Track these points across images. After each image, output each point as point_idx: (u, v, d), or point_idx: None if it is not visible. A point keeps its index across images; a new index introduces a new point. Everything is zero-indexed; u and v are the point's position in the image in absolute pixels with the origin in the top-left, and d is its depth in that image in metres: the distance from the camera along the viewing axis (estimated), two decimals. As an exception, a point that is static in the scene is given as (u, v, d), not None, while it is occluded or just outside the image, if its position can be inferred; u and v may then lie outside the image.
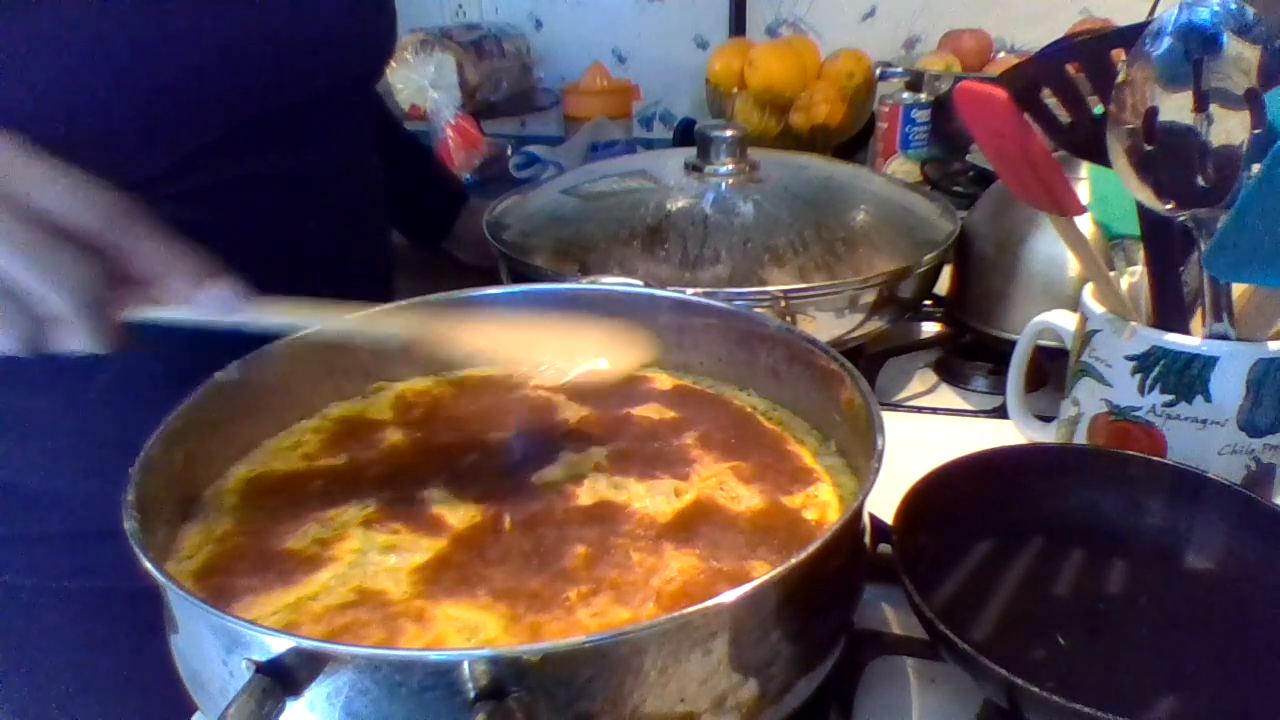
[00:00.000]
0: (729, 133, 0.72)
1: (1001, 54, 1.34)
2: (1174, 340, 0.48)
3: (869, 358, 0.73)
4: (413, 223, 0.89)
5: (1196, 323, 0.50)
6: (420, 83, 1.17)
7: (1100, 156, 0.47)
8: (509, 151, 1.22)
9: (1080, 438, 0.54)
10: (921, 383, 0.73)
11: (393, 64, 1.14)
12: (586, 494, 0.44)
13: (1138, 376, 0.50)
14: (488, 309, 0.56)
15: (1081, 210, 0.55)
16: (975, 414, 0.68)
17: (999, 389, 0.65)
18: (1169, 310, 0.50)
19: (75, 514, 0.59)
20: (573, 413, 0.52)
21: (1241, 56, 0.42)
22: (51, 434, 0.59)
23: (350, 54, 0.62)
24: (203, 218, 0.55)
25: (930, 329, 0.80)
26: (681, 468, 0.46)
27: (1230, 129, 0.43)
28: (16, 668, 0.66)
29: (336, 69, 0.61)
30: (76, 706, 0.66)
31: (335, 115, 0.62)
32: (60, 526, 0.60)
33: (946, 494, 0.45)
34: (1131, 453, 0.49)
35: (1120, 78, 0.45)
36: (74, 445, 0.59)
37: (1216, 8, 0.42)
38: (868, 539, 0.43)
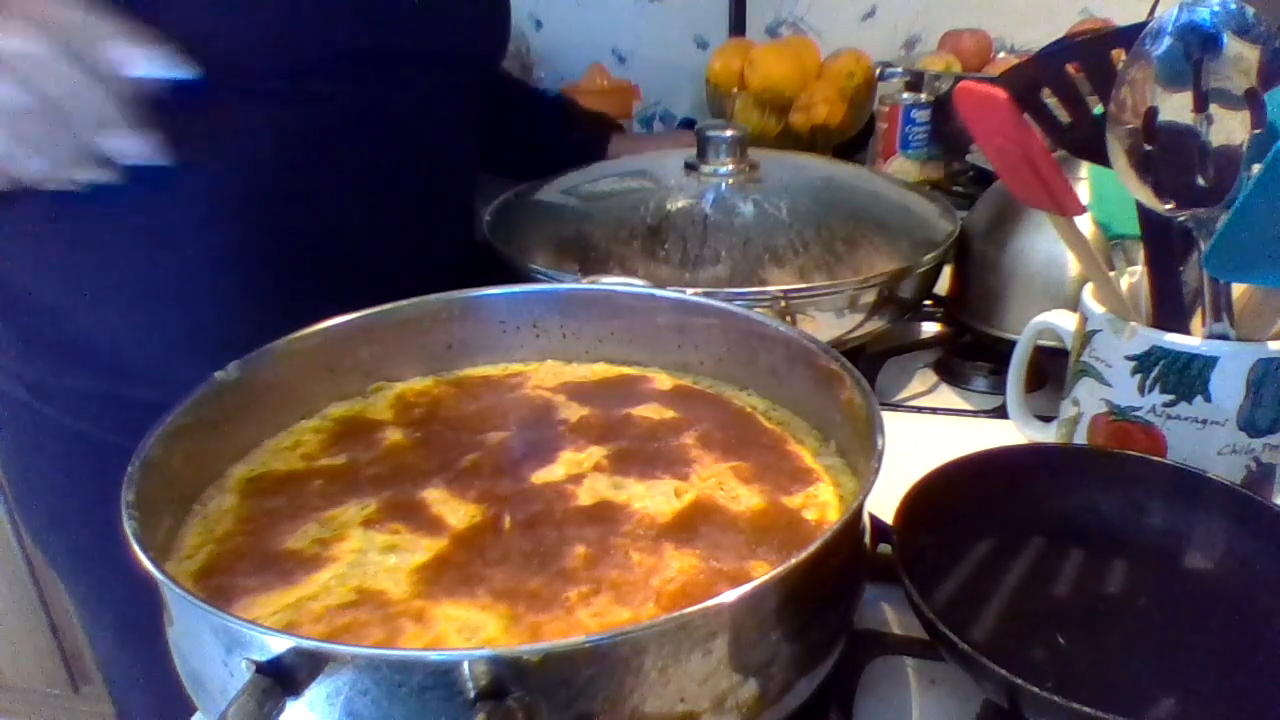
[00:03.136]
0: (729, 133, 0.72)
1: (1001, 54, 1.34)
2: (1174, 340, 0.48)
3: (869, 358, 0.73)
4: (569, 159, 0.92)
5: (1196, 323, 0.50)
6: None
7: (1100, 156, 0.47)
8: (509, 151, 1.22)
9: (1080, 438, 0.54)
10: (921, 383, 0.73)
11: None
12: (586, 494, 0.44)
13: (1138, 376, 0.49)
14: (488, 309, 0.57)
15: (1081, 210, 0.55)
16: (975, 414, 0.68)
17: (999, 389, 0.65)
18: (1169, 310, 0.50)
19: (153, 383, 0.61)
20: (573, 413, 0.52)
21: (1241, 56, 0.42)
22: (176, 315, 0.62)
23: (462, 15, 0.68)
24: (304, 123, 0.61)
25: (930, 329, 0.80)
26: (681, 468, 0.46)
27: (1230, 129, 0.43)
28: (44, 500, 0.70)
29: (446, 25, 0.67)
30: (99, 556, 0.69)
31: (446, 84, 0.69)
32: (133, 391, 0.62)
33: (946, 494, 0.45)
34: (1131, 453, 0.49)
35: (1120, 78, 0.45)
36: (195, 329, 0.62)
37: (1216, 8, 0.42)
38: (868, 539, 0.43)
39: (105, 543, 0.67)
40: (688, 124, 1.42)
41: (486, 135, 0.86)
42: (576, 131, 0.98)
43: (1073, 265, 0.66)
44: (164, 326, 0.62)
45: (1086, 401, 0.53)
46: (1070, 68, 0.50)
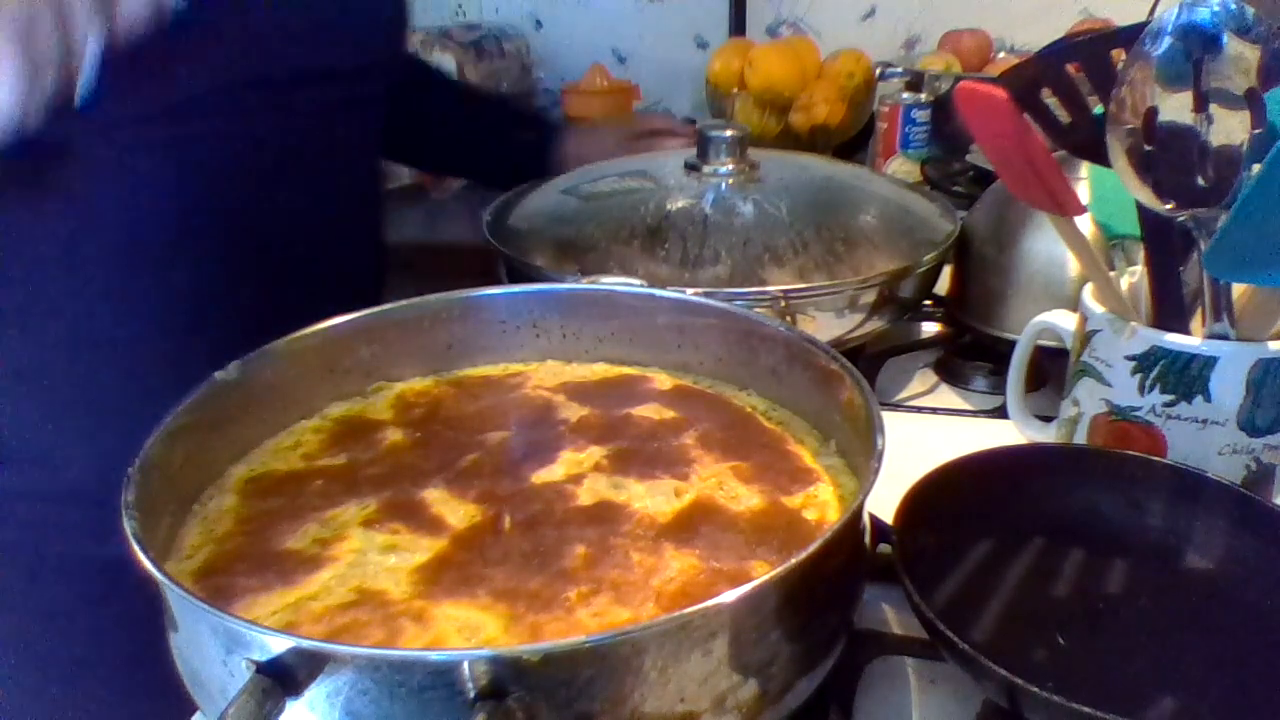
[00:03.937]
0: (729, 133, 0.72)
1: (1001, 54, 1.34)
2: (1174, 340, 0.48)
3: (869, 358, 0.73)
4: (514, 164, 0.90)
5: (1196, 323, 0.50)
6: (420, 83, 1.17)
7: (1100, 156, 0.47)
8: (509, 151, 1.21)
9: (1080, 438, 0.54)
10: (921, 383, 0.73)
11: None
12: (586, 494, 0.44)
13: (1138, 376, 0.50)
14: (488, 309, 0.57)
15: (1081, 210, 0.55)
16: (975, 414, 0.68)
17: (999, 389, 0.65)
18: (1169, 310, 0.50)
19: (87, 475, 0.60)
20: (573, 413, 0.52)
21: (1241, 56, 0.42)
22: (61, 389, 0.60)
23: (356, 31, 0.65)
24: (187, 164, 0.58)
25: (930, 329, 0.80)
26: (681, 468, 0.46)
27: (1230, 129, 0.43)
28: (12, 632, 0.67)
29: (339, 42, 0.64)
30: (67, 669, 0.66)
31: (341, 99, 0.66)
32: (69, 486, 0.61)
33: (946, 494, 0.45)
34: (1131, 453, 0.49)
35: (1120, 78, 0.45)
36: (82, 402, 0.60)
37: (1216, 8, 0.42)
38: (868, 539, 0.43)
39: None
40: (688, 124, 1.42)
41: (428, 138, 0.84)
42: (522, 130, 0.95)
43: (1073, 265, 0.66)
44: (46, 407, 0.60)
45: (1086, 401, 0.53)
46: (1070, 68, 0.50)
